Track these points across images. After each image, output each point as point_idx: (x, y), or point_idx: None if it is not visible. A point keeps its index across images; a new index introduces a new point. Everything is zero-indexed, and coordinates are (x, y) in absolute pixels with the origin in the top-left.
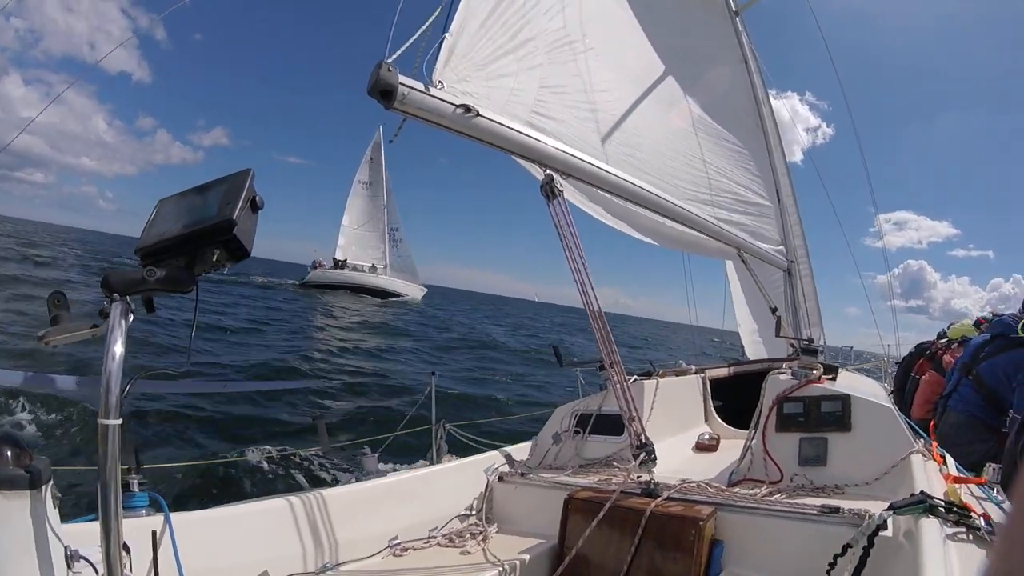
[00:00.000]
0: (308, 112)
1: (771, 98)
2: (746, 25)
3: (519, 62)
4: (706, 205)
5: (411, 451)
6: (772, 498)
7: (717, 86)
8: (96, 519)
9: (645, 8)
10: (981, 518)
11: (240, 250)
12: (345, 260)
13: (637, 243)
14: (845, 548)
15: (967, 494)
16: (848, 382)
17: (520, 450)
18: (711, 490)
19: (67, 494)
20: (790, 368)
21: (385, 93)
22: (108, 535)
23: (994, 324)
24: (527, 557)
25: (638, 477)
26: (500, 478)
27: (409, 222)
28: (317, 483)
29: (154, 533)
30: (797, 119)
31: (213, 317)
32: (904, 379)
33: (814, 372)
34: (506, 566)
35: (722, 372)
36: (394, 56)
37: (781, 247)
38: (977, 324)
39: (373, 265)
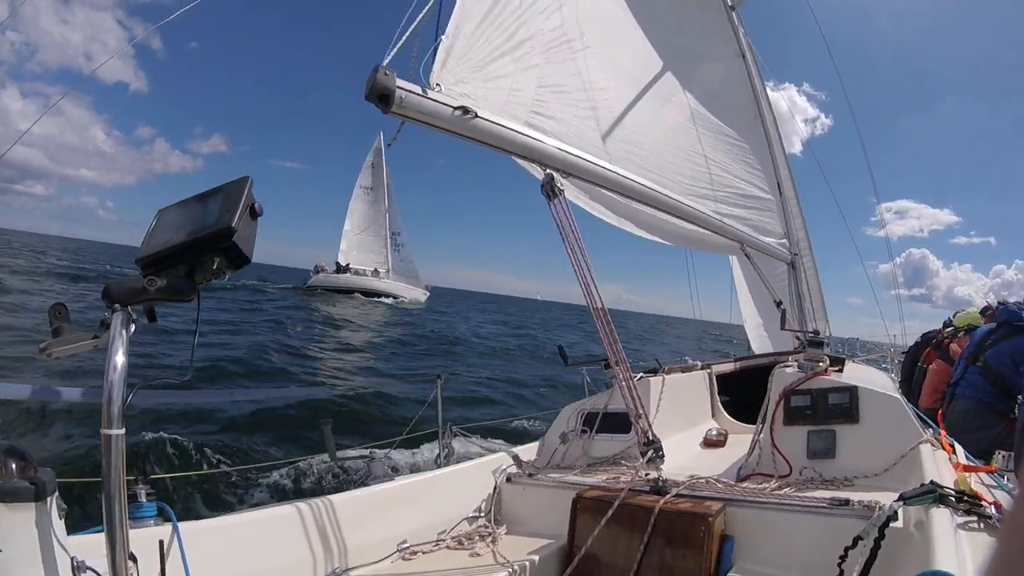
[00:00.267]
0: (306, 117)
1: (769, 90)
2: (742, 19)
3: (516, 62)
4: (708, 200)
5: (418, 454)
6: (781, 492)
7: (715, 81)
8: (103, 530)
9: (641, 6)
10: (992, 506)
11: (240, 257)
12: (348, 264)
13: (639, 239)
14: (856, 540)
15: (977, 482)
16: (855, 373)
17: (527, 451)
18: (720, 486)
19: (74, 507)
20: (796, 361)
21: (383, 97)
22: (113, 544)
23: (1000, 312)
24: (537, 558)
25: (646, 475)
26: (508, 479)
27: (410, 224)
28: (324, 489)
29: (161, 542)
30: (795, 110)
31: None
32: (911, 369)
33: (820, 364)
34: (516, 567)
35: (728, 367)
36: (389, 59)
37: (784, 240)
38: (984, 311)
39: (376, 269)
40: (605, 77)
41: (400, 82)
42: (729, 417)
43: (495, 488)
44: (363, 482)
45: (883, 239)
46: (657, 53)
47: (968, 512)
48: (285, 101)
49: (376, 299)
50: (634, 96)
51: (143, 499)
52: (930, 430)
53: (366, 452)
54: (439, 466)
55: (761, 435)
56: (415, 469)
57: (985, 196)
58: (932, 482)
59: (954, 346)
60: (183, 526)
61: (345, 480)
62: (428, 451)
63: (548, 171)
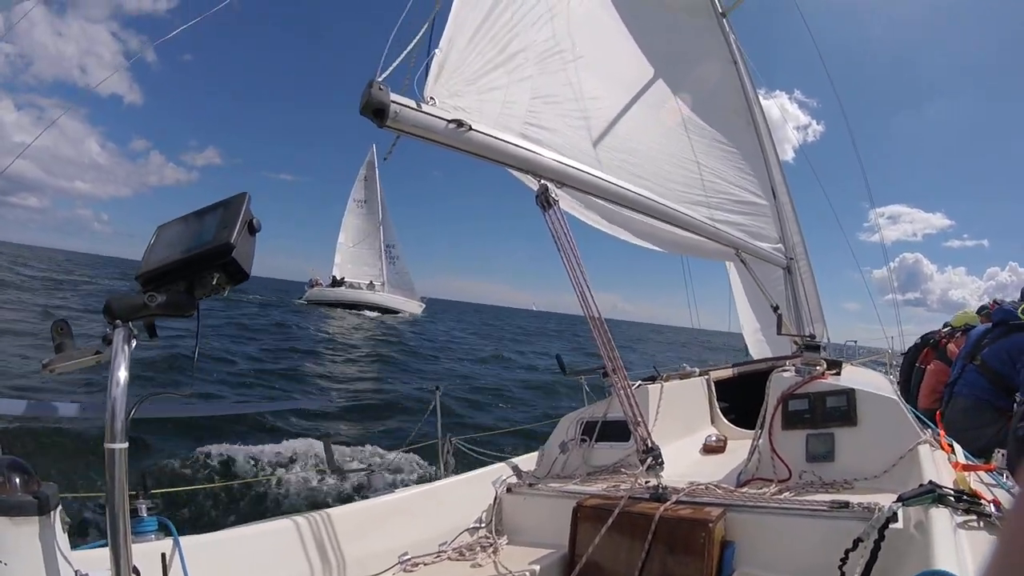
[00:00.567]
0: (300, 129)
1: (761, 97)
2: (733, 25)
3: (510, 75)
4: (702, 207)
5: (418, 466)
6: (781, 496)
7: (707, 87)
8: (106, 545)
9: (632, 15)
10: (991, 504)
11: (239, 273)
12: (343, 278)
13: (635, 248)
14: (856, 542)
15: (976, 481)
16: (852, 376)
17: (527, 461)
18: (720, 492)
19: (76, 521)
20: (794, 366)
21: (377, 112)
22: (117, 558)
23: (996, 312)
24: (538, 567)
25: (646, 482)
26: (508, 489)
27: (404, 236)
28: (325, 502)
29: (163, 556)
30: (787, 117)
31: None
32: (909, 370)
33: (817, 368)
34: None
35: (726, 373)
36: (384, 75)
37: (779, 245)
38: (980, 311)
39: (371, 282)
40: (598, 87)
41: (394, 96)
42: (728, 423)
43: (495, 498)
44: (364, 494)
45: (876, 244)
46: (649, 61)
47: (967, 511)
48: (279, 113)
49: (369, 313)
50: (626, 105)
51: (144, 513)
52: (928, 430)
53: (366, 464)
54: (439, 477)
55: (760, 440)
56: (415, 481)
57: (978, 199)
58: (931, 482)
59: (951, 346)
60: (184, 540)
61: (346, 492)
62: (428, 462)
63: (543, 182)
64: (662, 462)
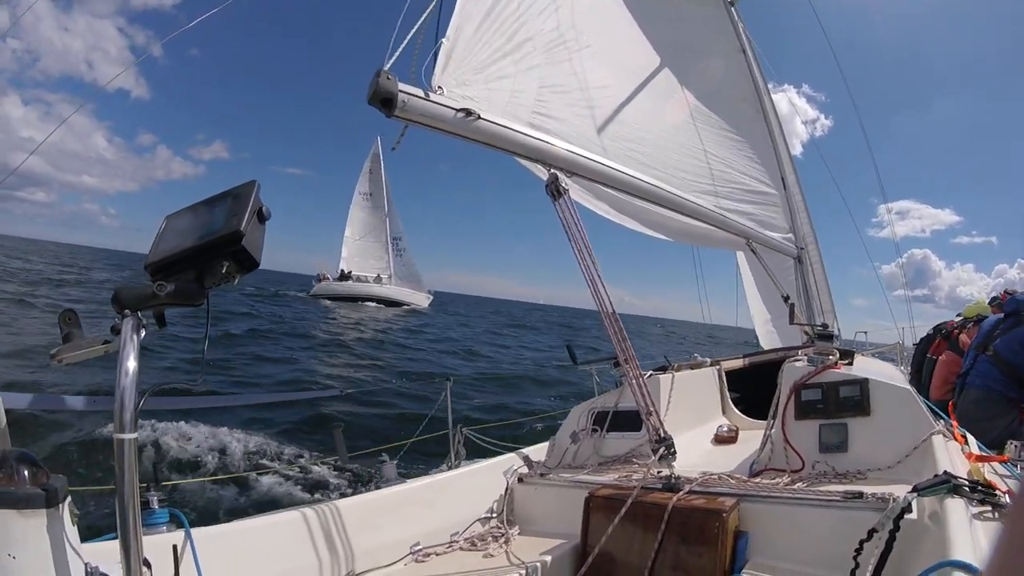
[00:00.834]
0: (307, 122)
1: (770, 90)
2: (741, 14)
3: (517, 64)
4: (711, 196)
5: (429, 457)
6: (795, 487)
7: (715, 77)
8: (116, 537)
9: (637, 4)
10: (1006, 495)
11: (249, 261)
12: (350, 271)
13: (643, 243)
14: (871, 533)
15: (990, 472)
16: (865, 366)
17: (538, 451)
18: (733, 482)
19: (85, 515)
20: (806, 355)
21: (385, 101)
22: (128, 550)
23: (1008, 303)
24: (550, 558)
25: (658, 472)
26: (520, 480)
27: (411, 229)
28: (336, 492)
29: (175, 548)
30: (796, 111)
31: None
32: (921, 361)
33: (830, 358)
34: (529, 568)
35: (738, 363)
36: (391, 63)
37: (789, 235)
38: (992, 301)
39: (378, 275)
40: (605, 76)
41: (402, 86)
42: (740, 413)
43: (507, 489)
44: (375, 485)
45: (884, 240)
46: (656, 50)
47: (982, 502)
48: (285, 107)
49: (377, 306)
50: (634, 94)
51: (155, 505)
52: (941, 421)
53: (377, 455)
54: (450, 468)
55: (773, 430)
56: (426, 472)
57: (987, 195)
58: (946, 473)
59: (963, 337)
60: (196, 532)
61: (357, 483)
62: (439, 453)
63: (552, 171)
64: (674, 452)
